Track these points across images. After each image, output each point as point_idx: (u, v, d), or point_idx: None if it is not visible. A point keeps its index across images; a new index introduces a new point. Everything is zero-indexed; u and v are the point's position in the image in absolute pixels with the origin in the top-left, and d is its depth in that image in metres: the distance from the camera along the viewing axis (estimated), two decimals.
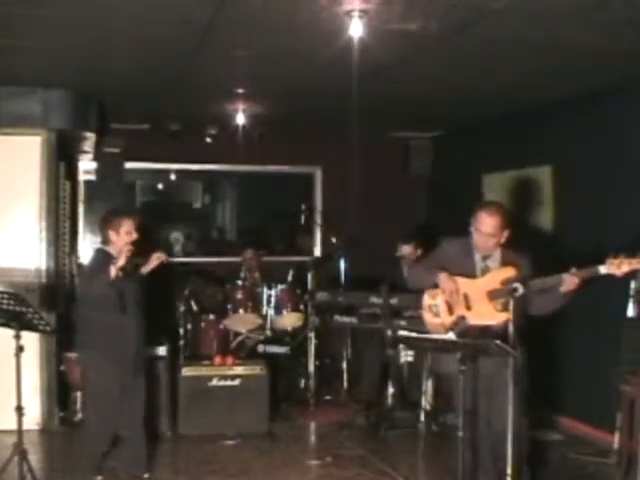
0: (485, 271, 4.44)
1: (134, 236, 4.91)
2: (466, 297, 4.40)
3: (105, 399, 4.91)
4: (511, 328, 3.95)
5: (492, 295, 4.30)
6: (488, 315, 4.29)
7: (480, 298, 4.34)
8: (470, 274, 4.45)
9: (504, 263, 4.41)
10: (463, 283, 4.42)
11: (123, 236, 4.88)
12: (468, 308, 4.39)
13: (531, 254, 4.50)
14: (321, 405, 7.23)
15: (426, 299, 4.58)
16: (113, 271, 4.61)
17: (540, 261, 4.47)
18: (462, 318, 4.33)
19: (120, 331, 4.88)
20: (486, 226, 4.37)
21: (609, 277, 4.08)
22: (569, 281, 4.15)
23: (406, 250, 6.99)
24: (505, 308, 4.11)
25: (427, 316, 4.58)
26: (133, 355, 4.98)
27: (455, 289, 4.40)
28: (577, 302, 4.31)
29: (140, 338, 5.09)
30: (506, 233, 4.42)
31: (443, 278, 4.43)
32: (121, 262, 4.63)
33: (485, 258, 4.47)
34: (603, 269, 4.04)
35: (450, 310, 4.45)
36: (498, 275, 4.33)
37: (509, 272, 4.27)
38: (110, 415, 4.94)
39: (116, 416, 4.98)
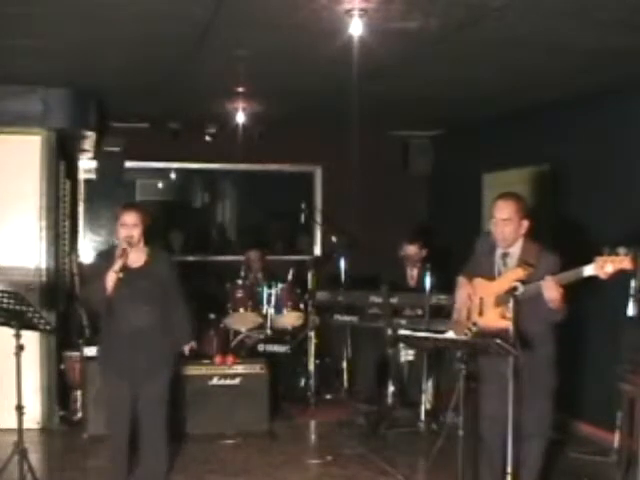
0: (501, 271, 4.36)
1: (130, 230, 4.54)
2: (481, 302, 4.34)
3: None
4: (511, 328, 3.90)
5: (498, 301, 4.22)
6: (494, 321, 4.20)
7: (491, 303, 4.29)
8: (490, 274, 4.39)
9: (522, 260, 4.25)
10: (481, 286, 4.39)
11: (119, 229, 4.60)
12: (481, 313, 4.33)
13: (558, 251, 4.30)
14: (321, 404, 7.24)
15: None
16: (110, 282, 4.43)
17: None
18: (473, 325, 4.19)
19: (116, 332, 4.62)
20: (501, 211, 4.30)
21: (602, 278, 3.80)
22: (546, 287, 3.95)
23: (411, 250, 6.94)
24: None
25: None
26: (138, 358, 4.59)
27: (469, 295, 4.41)
28: (577, 301, 4.29)
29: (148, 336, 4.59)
30: (525, 223, 4.31)
31: (460, 283, 4.50)
32: (117, 266, 4.41)
33: (505, 256, 4.35)
34: (588, 270, 3.81)
35: (469, 315, 4.42)
36: (508, 278, 4.20)
37: (517, 274, 4.12)
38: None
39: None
